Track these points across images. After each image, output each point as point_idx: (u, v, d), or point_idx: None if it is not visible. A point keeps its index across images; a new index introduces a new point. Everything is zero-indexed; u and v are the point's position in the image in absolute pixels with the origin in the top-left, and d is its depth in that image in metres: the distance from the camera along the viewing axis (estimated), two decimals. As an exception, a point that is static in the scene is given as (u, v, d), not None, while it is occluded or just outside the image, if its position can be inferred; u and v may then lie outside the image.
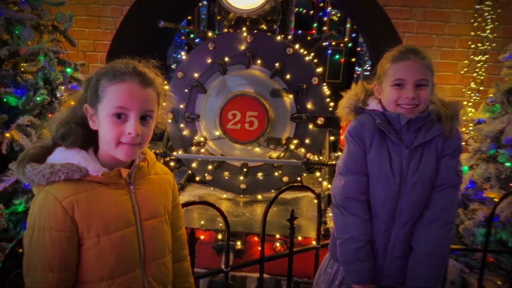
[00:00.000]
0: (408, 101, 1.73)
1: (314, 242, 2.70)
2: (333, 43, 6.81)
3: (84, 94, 1.29)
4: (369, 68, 8.69)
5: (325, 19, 6.89)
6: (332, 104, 3.26)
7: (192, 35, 6.13)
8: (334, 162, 2.92)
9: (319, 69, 3.30)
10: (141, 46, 4.61)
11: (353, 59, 7.02)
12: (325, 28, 6.96)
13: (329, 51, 6.78)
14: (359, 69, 8.13)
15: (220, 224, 2.93)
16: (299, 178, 3.54)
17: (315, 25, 6.93)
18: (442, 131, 1.76)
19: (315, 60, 3.38)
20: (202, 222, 2.89)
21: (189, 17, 6.61)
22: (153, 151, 3.10)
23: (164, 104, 1.40)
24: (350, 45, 6.86)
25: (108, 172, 1.25)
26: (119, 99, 1.21)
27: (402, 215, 1.79)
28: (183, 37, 4.79)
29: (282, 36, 3.34)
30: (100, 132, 1.26)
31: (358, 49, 7.53)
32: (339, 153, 3.16)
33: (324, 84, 3.30)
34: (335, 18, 7.59)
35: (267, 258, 2.26)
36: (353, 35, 6.92)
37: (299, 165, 3.06)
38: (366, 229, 1.81)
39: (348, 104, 1.97)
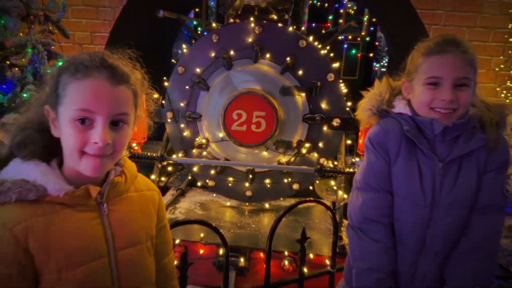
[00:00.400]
0: (445, 105, 1.44)
1: (327, 262, 2.40)
2: (350, 37, 6.46)
3: (45, 92, 1.08)
4: (385, 64, 8.34)
5: (341, 11, 6.54)
6: (349, 103, 2.92)
7: (199, 29, 5.85)
8: (351, 170, 2.59)
9: (335, 65, 2.96)
10: (143, 39, 4.33)
11: (371, 54, 6.66)
12: (341, 21, 6.61)
13: (345, 46, 6.43)
14: (377, 65, 7.74)
15: (222, 238, 2.63)
16: (311, 187, 3.22)
17: (330, 17, 6.57)
18: (485, 142, 1.47)
19: (331, 55, 3.04)
20: (202, 235, 2.60)
21: (196, 9, 6.33)
22: (150, 154, 2.84)
23: (144, 104, 1.19)
24: (367, 39, 6.50)
25: (72, 191, 1.03)
26: (82, 100, 1.00)
27: (434, 243, 1.52)
28: (188, 31, 4.46)
29: (294, 27, 3.00)
30: (62, 140, 1.05)
31: (376, 43, 7.15)
32: (357, 159, 2.82)
33: (341, 81, 2.96)
34: (351, 11, 7.27)
35: (273, 284, 1.96)
36: (371, 28, 6.56)
37: (312, 172, 2.73)
38: (388, 258, 1.54)
39: (369, 105, 1.70)
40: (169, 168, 3.30)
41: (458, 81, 1.44)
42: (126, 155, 1.29)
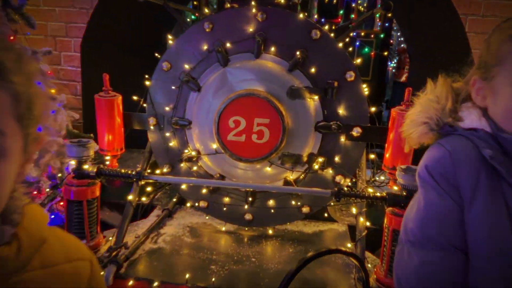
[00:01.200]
0: None
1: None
2: (362, 34, 5.93)
3: None
4: (394, 65, 7.80)
5: (353, 5, 6.01)
6: (373, 109, 2.37)
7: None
8: (378, 195, 2.03)
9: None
10: (127, 32, 3.79)
11: (385, 53, 6.11)
12: (353, 16, 6.09)
13: (357, 43, 5.89)
14: (391, 64, 7.18)
15: (213, 279, 2.08)
16: (326, 214, 2.68)
17: (341, 12, 6.04)
18: None
19: (350, 49, 2.49)
20: (187, 276, 2.05)
21: (195, 3, 5.82)
22: (125, 170, 2.29)
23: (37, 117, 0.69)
24: (382, 36, 5.97)
25: None
26: None
27: None
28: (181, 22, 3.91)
29: (306, 14, 2.45)
30: None
31: (391, 41, 6.62)
32: (382, 178, 2.26)
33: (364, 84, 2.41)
34: (361, 8, 6.76)
35: None
36: (386, 24, 6.02)
37: (327, 195, 2.18)
38: None
39: (425, 117, 1.20)
40: (148, 189, 2.76)
41: None
42: (28, 202, 0.75)
